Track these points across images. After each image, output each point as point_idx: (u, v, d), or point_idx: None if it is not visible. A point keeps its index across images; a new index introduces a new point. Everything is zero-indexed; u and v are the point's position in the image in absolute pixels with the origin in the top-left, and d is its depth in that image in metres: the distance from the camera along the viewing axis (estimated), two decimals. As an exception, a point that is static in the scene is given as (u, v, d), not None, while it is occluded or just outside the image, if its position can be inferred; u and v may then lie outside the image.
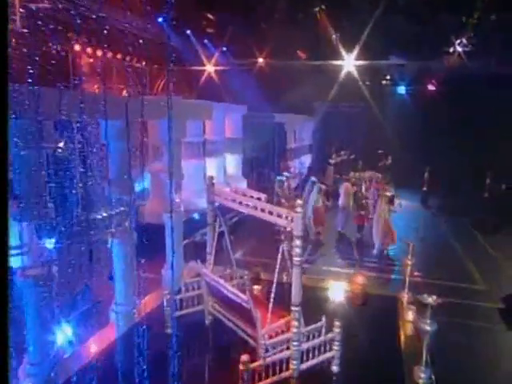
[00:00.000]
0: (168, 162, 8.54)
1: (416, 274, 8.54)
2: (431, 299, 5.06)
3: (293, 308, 4.94)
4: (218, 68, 14.91)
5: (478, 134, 16.61)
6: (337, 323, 5.29)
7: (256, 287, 7.14)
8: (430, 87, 17.83)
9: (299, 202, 4.65)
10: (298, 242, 4.72)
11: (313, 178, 11.69)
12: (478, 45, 12.45)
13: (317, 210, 10.75)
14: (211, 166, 13.37)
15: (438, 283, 8.63)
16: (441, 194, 15.43)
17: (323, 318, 5.31)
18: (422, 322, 5.08)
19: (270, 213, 5.14)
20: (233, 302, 5.15)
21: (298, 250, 4.69)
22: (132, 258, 6.15)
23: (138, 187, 8.26)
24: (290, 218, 4.80)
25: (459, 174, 16.20)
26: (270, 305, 5.04)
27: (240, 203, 5.63)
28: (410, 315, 6.62)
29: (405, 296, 7.59)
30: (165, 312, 6.00)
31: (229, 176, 14.63)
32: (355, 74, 17.20)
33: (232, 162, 14.85)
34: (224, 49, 15.90)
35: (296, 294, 4.84)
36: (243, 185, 15.10)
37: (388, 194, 11.39)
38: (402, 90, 19.31)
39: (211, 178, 6.23)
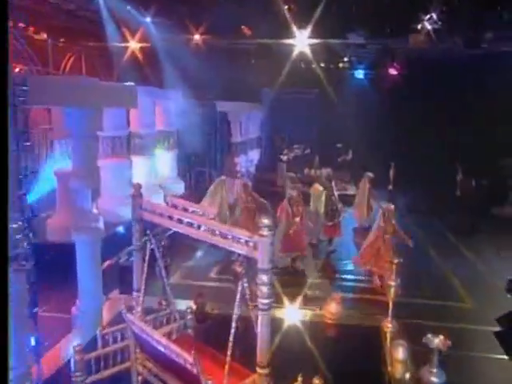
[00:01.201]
0: (75, 161, 7.37)
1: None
2: (439, 342, 4.30)
3: (259, 370, 3.95)
4: (145, 45, 13.77)
5: (448, 123, 16.90)
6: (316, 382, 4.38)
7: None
8: (393, 71, 17.73)
9: (265, 221, 3.66)
10: (264, 278, 3.73)
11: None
12: (450, 21, 12.22)
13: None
14: (139, 166, 12.29)
15: (417, 302, 8.30)
16: (409, 192, 15.39)
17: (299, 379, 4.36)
18: (426, 372, 4.32)
19: (224, 236, 4.12)
20: (171, 360, 4.07)
21: (264, 290, 3.70)
22: (24, 295, 4.81)
23: (33, 195, 6.98)
24: (252, 244, 3.80)
25: (428, 170, 16.35)
26: (227, 364, 4.01)
27: (180, 221, 4.55)
28: (400, 353, 5.90)
29: (389, 326, 6.94)
30: (73, 379, 4.76)
31: (162, 178, 13.65)
32: (309, 54, 16.74)
33: (165, 161, 13.95)
34: (152, 21, 14.75)
35: (263, 351, 3.85)
36: (180, 187, 14.25)
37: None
38: (361, 74, 19.32)
39: (138, 186, 5.07)
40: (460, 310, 8.33)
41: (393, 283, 6.90)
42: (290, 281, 8.78)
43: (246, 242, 3.95)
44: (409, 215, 14.00)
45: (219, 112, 15.92)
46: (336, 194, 11.06)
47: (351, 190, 16.46)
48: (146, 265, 5.01)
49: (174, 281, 8.88)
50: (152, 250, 5.10)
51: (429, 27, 12.62)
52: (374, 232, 8.56)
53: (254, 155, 19.38)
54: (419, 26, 12.89)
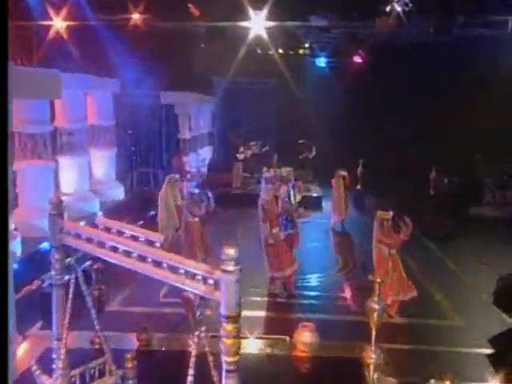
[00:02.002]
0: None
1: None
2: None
3: None
4: (73, 24, 12.66)
5: (418, 117, 16.92)
6: None
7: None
8: (358, 59, 17.54)
9: (230, 251, 2.93)
10: (230, 329, 2.99)
11: None
12: (421, 3, 11.98)
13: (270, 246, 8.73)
14: (68, 169, 11.41)
15: (398, 322, 7.86)
16: (378, 193, 15.14)
17: None
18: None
19: (174, 270, 3.34)
20: None
21: (229, 346, 2.97)
22: None
23: None
24: (212, 283, 3.06)
25: (399, 167, 16.35)
26: None
27: (114, 250, 3.73)
28: (390, 395, 5.32)
29: (372, 357, 6.34)
30: None
31: (97, 182, 12.91)
32: (266, 39, 16.18)
33: (101, 161, 13.19)
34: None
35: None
36: (119, 193, 13.41)
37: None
38: (323, 61, 19.23)
39: (57, 201, 4.18)
40: (447, 329, 7.94)
41: (376, 306, 6.30)
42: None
43: (205, 279, 3.18)
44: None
45: (164, 104, 15.60)
46: (295, 196, 10.69)
47: (315, 191, 16.44)
48: (69, 305, 4.13)
49: (114, 308, 8.01)
50: (77, 279, 4.24)
51: (398, 9, 12.20)
52: (375, 250, 7.97)
53: (206, 153, 19.22)
54: (388, 8, 12.48)
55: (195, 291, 3.29)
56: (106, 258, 3.90)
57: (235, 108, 19.41)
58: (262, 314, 8.15)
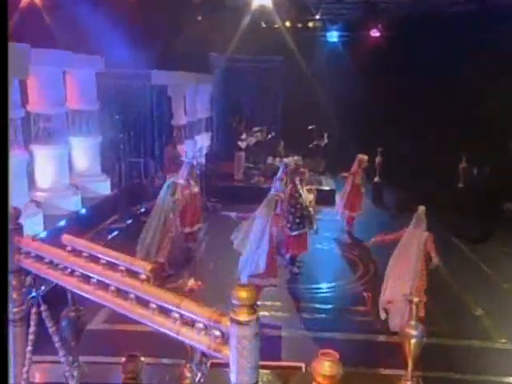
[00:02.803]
0: None
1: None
2: None
3: None
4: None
5: (445, 99, 16.57)
6: None
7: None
8: (375, 32, 17.10)
9: (244, 293, 2.25)
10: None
11: None
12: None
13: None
14: (44, 160, 10.82)
15: (436, 343, 7.11)
16: (400, 185, 14.90)
17: None
18: None
19: (165, 312, 2.66)
20: None
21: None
22: None
23: None
24: (219, 335, 2.38)
25: (423, 157, 15.94)
26: None
27: (86, 280, 3.05)
28: None
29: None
30: None
31: (79, 174, 12.25)
32: (271, 11, 16.04)
33: (83, 151, 12.46)
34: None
35: None
36: (104, 187, 12.85)
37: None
38: (336, 36, 19.04)
39: (16, 213, 3.46)
40: (492, 352, 7.34)
41: (413, 331, 5.67)
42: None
43: (206, 328, 2.47)
44: (401, 216, 12.58)
45: (156, 85, 14.95)
46: (304, 190, 10.09)
47: (327, 184, 16.12)
48: (29, 348, 3.42)
49: (95, 326, 7.29)
50: (40, 314, 3.52)
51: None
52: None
53: (204, 141, 18.61)
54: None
55: (195, 344, 2.57)
56: (74, 290, 3.19)
57: (237, 90, 19.05)
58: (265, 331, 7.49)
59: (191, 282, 5.73)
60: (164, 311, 2.68)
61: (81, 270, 3.12)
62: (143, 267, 2.89)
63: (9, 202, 2.40)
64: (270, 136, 17.75)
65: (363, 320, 8.02)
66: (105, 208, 11.91)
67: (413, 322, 5.79)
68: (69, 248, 3.26)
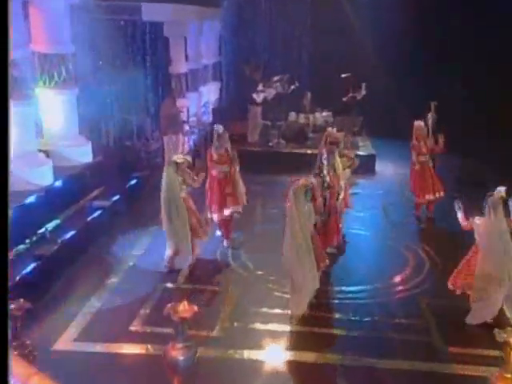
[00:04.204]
0: None
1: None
2: None
3: None
4: None
5: None
6: None
7: None
8: None
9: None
10: None
11: None
12: None
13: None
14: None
15: None
16: (463, 152, 14.12)
17: None
18: None
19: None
20: None
21: None
22: None
23: None
24: None
25: (489, 111, 15.29)
26: None
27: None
28: None
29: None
30: None
31: (50, 137, 11.63)
32: None
33: (55, 107, 11.76)
34: None
35: None
36: (84, 153, 12.10)
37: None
38: None
39: None
40: None
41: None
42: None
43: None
44: (468, 192, 12.01)
45: (149, 22, 14.51)
46: (338, 161, 9.22)
47: (365, 148, 15.78)
48: None
49: (62, 346, 6.59)
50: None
51: None
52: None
53: (211, 94, 18.39)
54: None
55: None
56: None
57: (252, 27, 18.50)
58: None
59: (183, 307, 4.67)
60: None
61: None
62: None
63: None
64: (292, 87, 16.96)
65: (419, 341, 6.95)
66: (84, 180, 11.26)
67: None
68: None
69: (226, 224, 9.56)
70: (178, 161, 8.29)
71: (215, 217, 9.45)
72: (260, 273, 8.57)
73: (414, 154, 10.97)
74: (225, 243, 9.57)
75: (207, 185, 9.43)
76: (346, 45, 17.33)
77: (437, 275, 8.46)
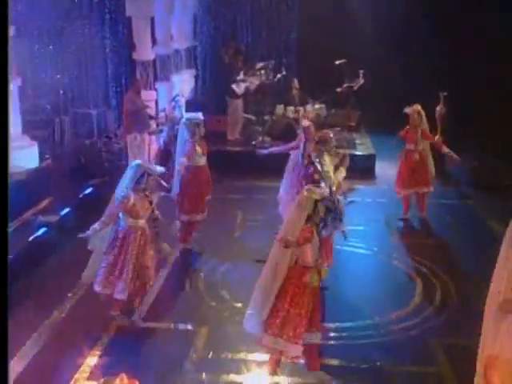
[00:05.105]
0: None
1: None
2: None
3: None
4: None
5: None
6: None
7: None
8: None
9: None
10: None
11: None
12: None
13: None
14: None
15: None
16: (475, 149, 14.19)
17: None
18: None
19: None
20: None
21: None
22: None
23: None
24: None
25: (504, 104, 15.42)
26: None
27: None
28: None
29: None
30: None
31: None
32: None
33: None
34: None
35: None
36: (28, 156, 11.67)
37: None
38: None
39: None
40: None
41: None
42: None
43: None
44: (480, 196, 12.68)
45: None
46: (328, 165, 8.62)
47: (363, 147, 15.59)
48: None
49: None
50: None
51: None
52: None
53: (183, 84, 17.90)
54: None
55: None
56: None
57: (232, 5, 18.34)
58: None
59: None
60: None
61: None
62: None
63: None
64: (279, 75, 16.74)
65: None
66: (27, 190, 10.69)
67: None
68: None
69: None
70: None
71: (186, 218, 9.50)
72: (238, 305, 7.83)
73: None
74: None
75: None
76: (341, 26, 17.26)
77: (451, 306, 7.94)
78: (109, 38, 14.84)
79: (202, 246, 9.76)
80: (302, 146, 9.38)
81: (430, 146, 11.36)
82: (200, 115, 9.51)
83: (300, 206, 6.08)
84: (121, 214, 7.16)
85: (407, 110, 11.16)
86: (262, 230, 10.03)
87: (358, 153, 14.46)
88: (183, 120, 9.64)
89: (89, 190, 11.57)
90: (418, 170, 11.15)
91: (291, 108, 16.35)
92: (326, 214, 6.28)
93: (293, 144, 9.75)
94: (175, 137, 14.09)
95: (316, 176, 8.12)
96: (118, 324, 7.26)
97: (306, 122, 9.89)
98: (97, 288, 7.12)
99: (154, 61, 15.80)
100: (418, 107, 11.18)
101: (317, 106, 16.54)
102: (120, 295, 7.06)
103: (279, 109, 16.39)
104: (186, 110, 16.18)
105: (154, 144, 13.72)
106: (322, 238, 8.07)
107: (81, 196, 11.35)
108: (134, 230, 7.14)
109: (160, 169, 8.06)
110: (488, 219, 11.28)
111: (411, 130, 11.08)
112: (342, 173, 8.83)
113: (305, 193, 6.13)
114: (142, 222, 7.26)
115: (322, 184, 7.44)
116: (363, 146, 15.20)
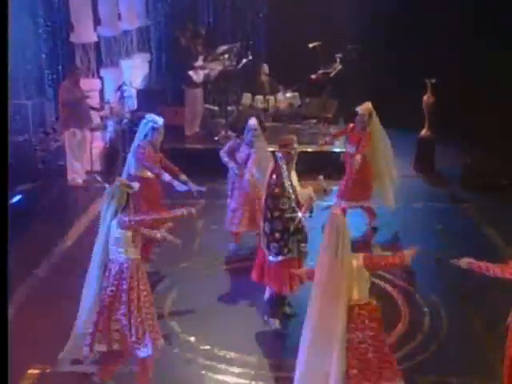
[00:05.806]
0: None
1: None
2: None
3: None
4: None
5: None
6: None
7: None
8: None
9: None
10: None
11: None
12: None
13: None
14: None
15: None
16: (466, 143, 14.27)
17: None
18: None
19: None
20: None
21: None
22: None
23: None
24: None
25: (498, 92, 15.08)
26: None
27: None
28: None
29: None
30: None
31: None
32: None
33: None
34: None
35: None
36: None
37: None
38: None
39: None
40: None
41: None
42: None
43: None
44: (471, 197, 12.64)
45: None
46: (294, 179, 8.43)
47: (342, 143, 14.60)
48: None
49: None
50: None
51: None
52: None
53: (136, 70, 17.28)
54: None
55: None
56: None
57: None
58: None
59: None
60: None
61: None
62: None
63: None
64: (245, 60, 16.29)
65: None
66: None
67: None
68: None
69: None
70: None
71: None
72: (205, 348, 7.30)
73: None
74: None
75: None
76: (317, 2, 16.72)
77: (442, 337, 7.51)
78: (40, 14, 14.38)
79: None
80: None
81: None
82: (160, 120, 9.13)
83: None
84: None
85: (359, 108, 10.54)
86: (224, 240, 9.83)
87: (336, 149, 14.04)
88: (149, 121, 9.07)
89: (17, 199, 11.12)
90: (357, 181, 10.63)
91: (260, 97, 15.78)
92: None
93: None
94: (123, 133, 13.59)
95: (277, 190, 7.81)
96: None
97: None
98: None
99: (98, 44, 15.06)
100: (370, 106, 10.66)
101: (289, 95, 16.22)
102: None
103: (246, 98, 15.86)
104: (139, 101, 15.97)
105: (97, 142, 13.29)
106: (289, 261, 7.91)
107: (6, 206, 10.50)
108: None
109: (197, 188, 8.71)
110: (484, 226, 11.18)
111: (357, 130, 10.49)
112: (309, 192, 8.43)
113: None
114: None
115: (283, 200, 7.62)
116: (342, 142, 14.23)
